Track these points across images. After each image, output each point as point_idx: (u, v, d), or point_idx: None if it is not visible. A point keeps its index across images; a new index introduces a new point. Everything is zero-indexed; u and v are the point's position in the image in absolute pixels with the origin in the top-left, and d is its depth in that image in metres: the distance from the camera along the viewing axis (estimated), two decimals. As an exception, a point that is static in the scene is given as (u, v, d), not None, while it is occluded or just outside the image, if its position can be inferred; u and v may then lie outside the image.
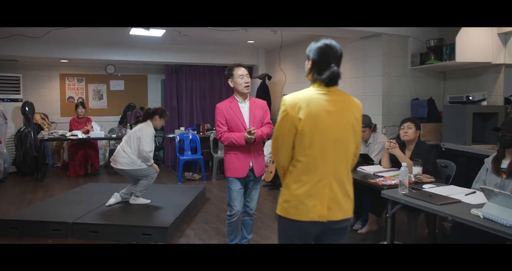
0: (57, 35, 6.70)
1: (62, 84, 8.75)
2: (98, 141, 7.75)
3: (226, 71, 3.43)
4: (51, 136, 7.23)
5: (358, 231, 4.30)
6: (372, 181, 3.45)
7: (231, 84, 3.40)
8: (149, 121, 4.83)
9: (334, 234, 1.98)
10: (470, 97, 4.69)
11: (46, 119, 8.29)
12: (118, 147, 4.80)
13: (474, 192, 2.99)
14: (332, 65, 1.91)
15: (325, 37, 1.96)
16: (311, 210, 1.90)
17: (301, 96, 1.93)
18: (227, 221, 3.48)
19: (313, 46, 1.95)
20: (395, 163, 3.89)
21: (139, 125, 4.81)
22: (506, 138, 2.97)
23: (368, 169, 3.94)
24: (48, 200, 5.25)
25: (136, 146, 4.68)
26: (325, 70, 1.91)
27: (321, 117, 1.90)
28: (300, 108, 1.90)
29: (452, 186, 3.28)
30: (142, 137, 4.67)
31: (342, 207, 1.95)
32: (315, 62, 1.94)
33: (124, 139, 4.83)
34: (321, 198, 1.91)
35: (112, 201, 4.80)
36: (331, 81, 1.92)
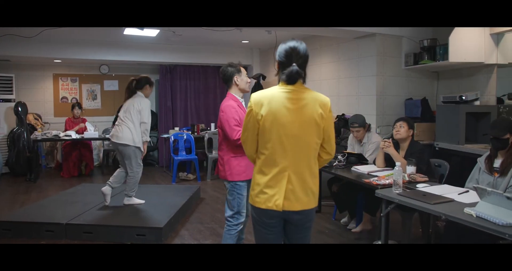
0: (50, 35, 6.67)
1: (56, 84, 8.70)
2: (92, 141, 7.71)
3: (231, 68, 3.29)
4: (45, 137, 7.19)
5: (352, 230, 4.32)
6: (367, 180, 3.46)
7: (237, 81, 3.27)
8: (139, 93, 4.71)
9: (296, 229, 2.13)
10: (463, 97, 4.72)
11: (39, 119, 8.24)
12: (118, 123, 4.66)
13: (467, 191, 3.01)
14: (294, 64, 2.05)
15: (295, 39, 2.09)
16: (270, 199, 2.07)
17: (265, 94, 2.10)
18: (233, 230, 3.21)
19: (280, 49, 2.11)
20: (389, 163, 3.91)
21: (135, 99, 4.66)
22: (497, 141, 3.00)
23: (362, 169, 3.95)
24: (41, 201, 5.22)
25: (138, 120, 4.59)
26: (286, 70, 2.07)
27: (281, 114, 2.05)
28: (262, 105, 2.08)
29: (445, 185, 3.30)
30: (143, 110, 4.58)
31: (301, 199, 2.08)
32: (280, 63, 2.11)
33: (121, 115, 4.66)
34: (279, 189, 2.07)
35: (108, 198, 4.77)
36: (290, 80, 2.07)
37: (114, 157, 8.41)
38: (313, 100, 2.09)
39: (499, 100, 4.84)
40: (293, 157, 2.07)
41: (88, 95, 8.96)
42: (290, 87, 2.08)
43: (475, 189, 2.58)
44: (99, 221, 4.20)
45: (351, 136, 4.57)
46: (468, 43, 4.69)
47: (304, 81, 2.11)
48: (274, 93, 2.09)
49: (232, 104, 3.17)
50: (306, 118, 2.07)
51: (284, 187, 2.07)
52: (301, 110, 2.06)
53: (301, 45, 2.08)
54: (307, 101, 2.08)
